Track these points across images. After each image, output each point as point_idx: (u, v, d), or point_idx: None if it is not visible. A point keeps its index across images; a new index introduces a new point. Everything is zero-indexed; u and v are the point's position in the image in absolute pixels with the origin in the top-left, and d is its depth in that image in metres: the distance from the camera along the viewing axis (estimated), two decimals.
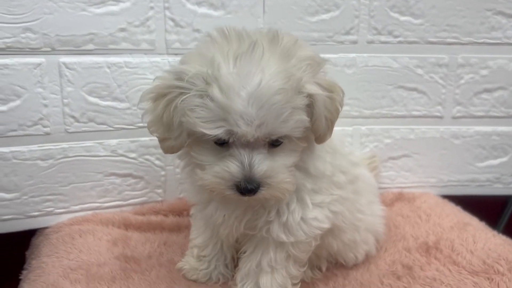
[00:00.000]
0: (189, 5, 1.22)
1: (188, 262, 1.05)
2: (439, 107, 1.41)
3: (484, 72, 1.39)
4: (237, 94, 0.74)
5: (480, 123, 1.43)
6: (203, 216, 0.99)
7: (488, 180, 1.48)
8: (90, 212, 1.24)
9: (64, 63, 1.15)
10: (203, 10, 1.23)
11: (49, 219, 1.21)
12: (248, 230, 0.92)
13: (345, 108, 1.36)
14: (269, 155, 0.81)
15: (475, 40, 1.37)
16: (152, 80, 1.18)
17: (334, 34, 1.32)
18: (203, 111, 0.76)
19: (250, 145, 0.79)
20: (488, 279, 1.02)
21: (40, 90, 1.14)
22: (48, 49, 1.13)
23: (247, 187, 0.79)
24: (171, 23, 1.22)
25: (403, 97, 1.39)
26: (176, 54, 1.24)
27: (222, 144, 0.80)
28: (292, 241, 0.91)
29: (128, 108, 1.22)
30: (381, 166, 1.42)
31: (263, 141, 0.80)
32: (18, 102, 1.13)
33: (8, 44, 1.09)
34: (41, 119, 1.15)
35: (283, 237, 0.90)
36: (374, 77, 1.37)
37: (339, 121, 1.36)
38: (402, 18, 1.34)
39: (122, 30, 1.18)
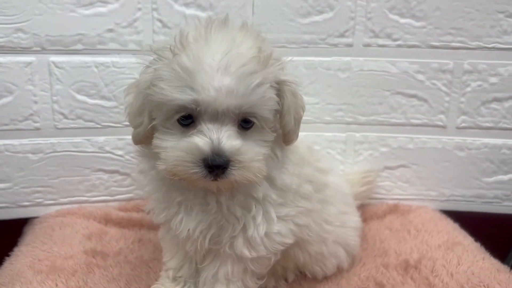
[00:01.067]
0: (177, 6, 1.22)
1: (164, 284, 1.00)
2: (442, 116, 1.31)
3: (493, 79, 1.28)
4: (205, 60, 0.73)
5: (489, 135, 1.32)
6: (171, 236, 0.96)
7: (496, 197, 1.36)
8: (77, 205, 1.29)
9: (54, 62, 1.20)
10: (191, 11, 1.23)
11: (39, 210, 1.28)
12: (213, 245, 0.89)
13: (338, 113, 1.33)
14: (240, 136, 0.78)
15: (484, 45, 1.26)
16: None
17: (327, 36, 1.27)
18: (171, 78, 0.74)
19: (219, 120, 0.76)
20: None
21: (30, 87, 1.20)
22: (38, 48, 1.18)
23: (216, 160, 0.73)
24: (159, 24, 1.23)
25: (402, 104, 1.31)
26: None
27: (188, 125, 0.77)
28: (253, 257, 0.88)
29: (115, 107, 1.25)
30: (376, 179, 1.35)
31: (233, 116, 0.76)
32: (10, 98, 1.19)
33: (1, 44, 1.16)
34: (31, 115, 1.21)
35: (246, 252, 0.87)
36: (370, 82, 1.30)
37: (331, 126, 1.34)
38: (402, 21, 1.26)
39: (110, 31, 1.21)
